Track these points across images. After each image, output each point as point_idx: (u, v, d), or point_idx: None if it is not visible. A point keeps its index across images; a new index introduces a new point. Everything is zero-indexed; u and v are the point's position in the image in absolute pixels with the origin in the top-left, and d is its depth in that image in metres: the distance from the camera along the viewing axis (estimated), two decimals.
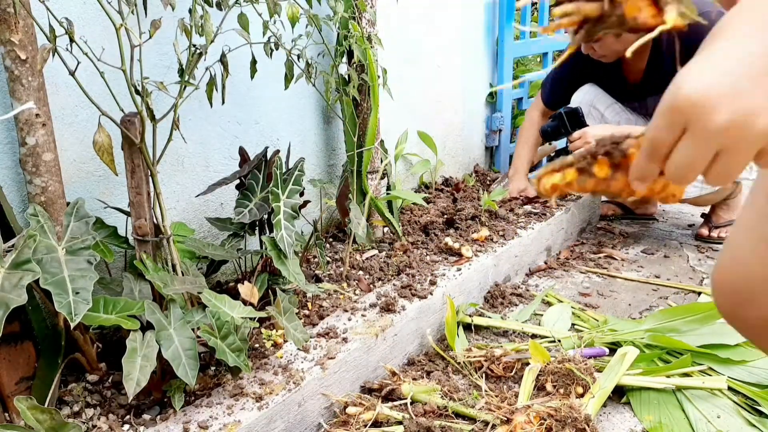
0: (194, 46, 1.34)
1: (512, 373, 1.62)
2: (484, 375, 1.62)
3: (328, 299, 1.75)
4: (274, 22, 1.52)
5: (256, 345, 1.50)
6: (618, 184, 0.53)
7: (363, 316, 1.64)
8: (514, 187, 2.57)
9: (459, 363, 1.66)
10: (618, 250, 2.47)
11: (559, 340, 1.76)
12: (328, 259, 2.03)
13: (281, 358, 1.45)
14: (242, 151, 1.76)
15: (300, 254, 1.74)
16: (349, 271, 1.92)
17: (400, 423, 1.41)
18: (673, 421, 1.43)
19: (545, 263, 2.36)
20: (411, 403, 1.46)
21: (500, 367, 1.63)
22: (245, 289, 1.43)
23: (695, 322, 1.69)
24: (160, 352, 1.20)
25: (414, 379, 1.56)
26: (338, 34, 1.93)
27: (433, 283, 1.83)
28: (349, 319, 1.62)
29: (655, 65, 2.30)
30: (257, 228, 1.71)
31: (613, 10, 0.53)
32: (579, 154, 0.55)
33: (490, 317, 1.91)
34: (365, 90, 2.04)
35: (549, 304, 2.02)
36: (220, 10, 1.39)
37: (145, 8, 1.31)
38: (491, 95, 2.99)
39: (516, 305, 2.02)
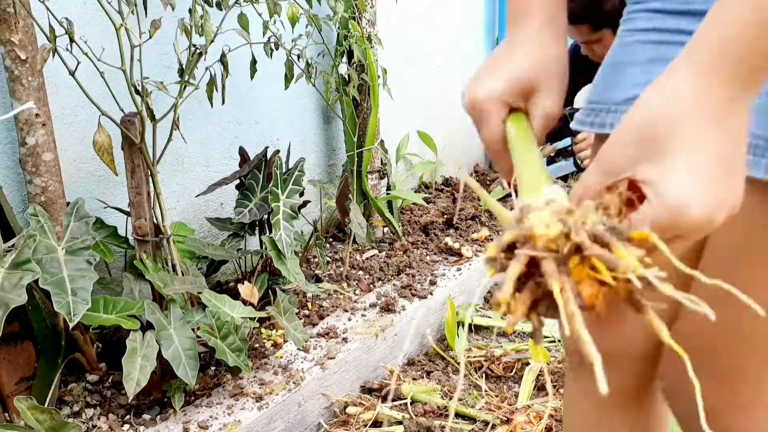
0: (194, 46, 1.34)
1: (512, 373, 1.62)
2: (484, 375, 1.62)
3: (328, 299, 1.75)
4: (274, 22, 1.52)
5: (256, 345, 1.50)
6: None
7: (363, 316, 1.64)
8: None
9: (459, 363, 1.66)
10: None
11: (559, 340, 1.76)
12: (328, 259, 2.03)
13: (281, 358, 1.45)
14: (242, 151, 1.76)
15: (300, 254, 1.74)
16: (349, 271, 1.92)
17: (400, 423, 1.41)
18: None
19: None
20: (411, 403, 1.46)
21: (500, 367, 1.63)
22: (245, 289, 1.43)
23: None
24: (160, 352, 1.20)
25: (414, 379, 1.57)
26: (338, 34, 1.94)
27: (433, 283, 1.83)
28: (349, 319, 1.62)
29: None
30: (257, 228, 1.71)
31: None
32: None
33: (490, 317, 1.91)
34: (365, 90, 2.04)
35: None
36: (220, 10, 1.39)
37: (145, 8, 1.31)
38: None
39: None
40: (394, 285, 1.81)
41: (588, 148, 2.29)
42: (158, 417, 1.27)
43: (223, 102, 1.50)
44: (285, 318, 1.40)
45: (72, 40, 1.18)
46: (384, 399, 1.49)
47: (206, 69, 1.42)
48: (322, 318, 1.64)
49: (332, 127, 2.26)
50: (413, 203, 2.41)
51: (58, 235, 1.25)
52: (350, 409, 1.43)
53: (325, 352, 1.47)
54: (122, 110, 1.32)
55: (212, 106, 1.47)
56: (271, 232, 1.59)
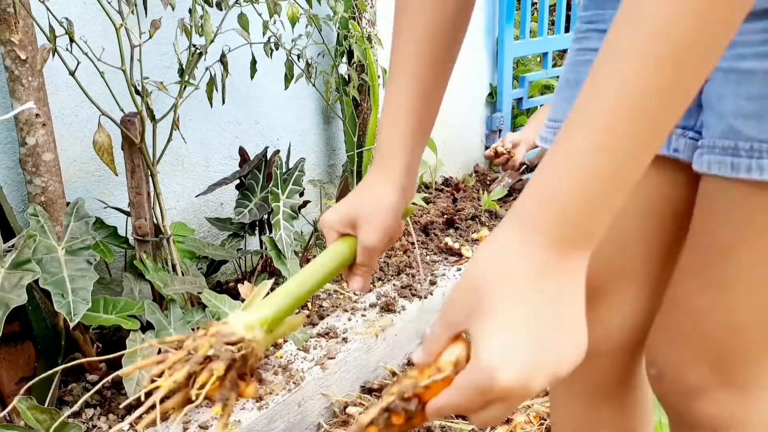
0: (194, 46, 1.34)
1: None
2: None
3: (328, 299, 1.75)
4: (274, 22, 1.52)
5: None
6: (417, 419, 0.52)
7: (363, 316, 1.64)
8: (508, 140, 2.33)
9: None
10: None
11: None
12: None
13: (281, 358, 1.45)
14: (242, 151, 1.76)
15: (300, 254, 1.74)
16: None
17: None
18: (658, 406, 1.43)
19: None
20: None
21: None
22: (245, 289, 1.43)
23: None
24: (160, 352, 1.20)
25: None
26: (338, 34, 1.94)
27: (433, 283, 1.83)
28: (349, 319, 1.62)
29: None
30: (257, 228, 1.71)
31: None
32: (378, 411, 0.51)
33: None
34: (365, 90, 2.04)
35: None
36: (220, 10, 1.39)
37: (145, 8, 1.31)
38: (491, 95, 2.99)
39: None
40: (394, 285, 1.81)
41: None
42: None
43: (223, 102, 1.50)
44: None
45: (72, 40, 1.18)
46: None
47: (206, 69, 1.42)
48: (322, 318, 1.64)
49: (332, 127, 2.26)
50: (413, 203, 2.41)
51: (58, 235, 1.25)
52: (350, 409, 1.43)
53: (325, 352, 1.47)
54: (122, 110, 1.31)
55: (212, 106, 1.47)
56: (271, 232, 1.59)
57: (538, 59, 3.17)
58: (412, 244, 2.14)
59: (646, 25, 0.43)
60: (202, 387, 0.52)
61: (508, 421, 1.41)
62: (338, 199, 2.02)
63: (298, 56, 1.66)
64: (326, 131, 2.25)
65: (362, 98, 2.05)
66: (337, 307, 1.70)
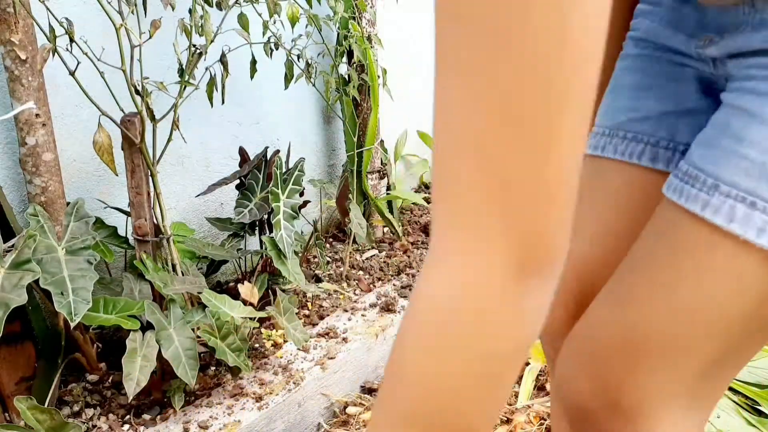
0: (194, 46, 1.34)
1: None
2: None
3: (328, 299, 1.75)
4: (274, 22, 1.52)
5: (256, 345, 1.50)
6: None
7: (363, 316, 1.64)
8: None
9: None
10: None
11: None
12: (328, 259, 2.03)
13: (281, 358, 1.45)
14: (242, 151, 1.76)
15: (300, 254, 1.74)
16: (349, 271, 1.92)
17: None
18: None
19: None
20: None
21: None
22: (245, 289, 1.43)
23: None
24: (160, 352, 1.20)
25: None
26: (338, 34, 1.93)
27: None
28: (349, 319, 1.62)
29: None
30: (257, 228, 1.71)
31: None
32: None
33: None
34: (365, 90, 2.04)
35: None
36: (220, 10, 1.39)
37: (145, 8, 1.31)
38: None
39: None
40: (394, 285, 1.81)
41: None
42: (158, 417, 1.27)
43: (223, 102, 1.50)
44: (285, 318, 1.40)
45: (72, 40, 1.18)
46: None
47: (206, 69, 1.42)
48: (322, 318, 1.64)
49: (332, 127, 2.26)
50: (413, 203, 2.41)
51: (58, 235, 1.25)
52: (350, 409, 1.43)
53: (325, 352, 1.47)
54: (122, 110, 1.31)
55: (212, 106, 1.47)
56: (271, 232, 1.59)
57: None
58: (413, 243, 2.14)
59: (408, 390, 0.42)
60: None
61: (508, 421, 1.41)
62: (338, 199, 2.02)
63: (298, 56, 1.66)
64: (326, 131, 2.25)
65: (362, 98, 2.05)
66: (337, 307, 1.70)
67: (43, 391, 1.23)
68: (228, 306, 1.31)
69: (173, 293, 1.29)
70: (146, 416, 1.29)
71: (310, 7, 1.62)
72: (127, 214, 1.42)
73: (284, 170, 1.61)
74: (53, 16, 1.16)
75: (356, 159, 2.05)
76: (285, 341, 1.50)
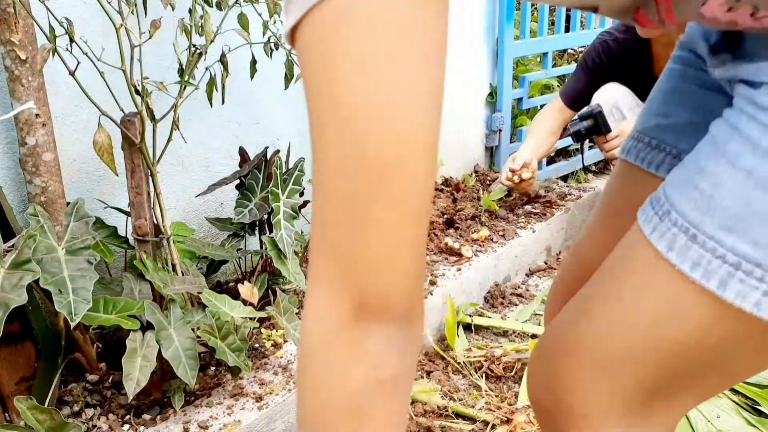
0: (194, 46, 1.34)
1: (512, 373, 1.62)
2: (484, 375, 1.62)
3: None
4: (274, 22, 1.52)
5: (256, 345, 1.50)
6: None
7: None
8: (520, 158, 2.37)
9: (459, 363, 1.66)
10: None
11: None
12: None
13: (281, 358, 1.45)
14: (242, 151, 1.76)
15: (300, 254, 1.74)
16: None
17: None
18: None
19: (545, 263, 2.36)
20: (411, 403, 1.46)
21: (500, 367, 1.63)
22: (245, 289, 1.43)
23: None
24: (160, 352, 1.20)
25: (414, 379, 1.57)
26: None
27: (432, 283, 1.83)
28: None
29: None
30: (257, 228, 1.71)
31: None
32: None
33: (490, 317, 1.91)
34: None
35: None
36: (220, 10, 1.39)
37: (145, 8, 1.31)
38: (491, 95, 2.99)
39: (516, 305, 2.02)
40: None
41: (617, 147, 2.27)
42: (158, 417, 1.27)
43: (223, 102, 1.50)
44: (285, 318, 1.40)
45: (72, 40, 1.18)
46: None
47: (206, 69, 1.42)
48: None
49: None
50: None
51: (58, 235, 1.25)
52: None
53: None
54: (122, 110, 1.32)
55: (212, 106, 1.47)
56: (271, 232, 1.59)
57: (538, 59, 3.16)
58: None
59: None
60: None
61: (508, 421, 1.41)
62: None
63: None
64: None
65: None
66: None
67: (43, 391, 1.23)
68: (228, 306, 1.31)
69: (173, 293, 1.29)
70: (146, 416, 1.29)
71: None
72: (127, 214, 1.42)
73: (284, 170, 1.61)
74: (53, 16, 1.16)
75: None
76: (285, 341, 1.50)
